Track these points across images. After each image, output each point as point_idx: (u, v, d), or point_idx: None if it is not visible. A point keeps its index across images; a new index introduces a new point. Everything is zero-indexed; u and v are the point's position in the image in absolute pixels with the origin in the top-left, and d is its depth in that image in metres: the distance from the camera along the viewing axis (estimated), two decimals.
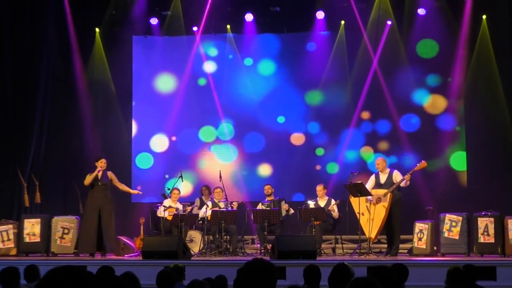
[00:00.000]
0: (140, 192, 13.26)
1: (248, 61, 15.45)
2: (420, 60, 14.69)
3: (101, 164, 12.13)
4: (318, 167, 14.99)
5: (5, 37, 14.43)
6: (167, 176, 14.99)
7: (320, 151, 15.07)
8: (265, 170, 15.18)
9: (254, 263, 3.98)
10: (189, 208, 13.08)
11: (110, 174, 12.30)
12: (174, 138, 15.44)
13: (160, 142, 15.46)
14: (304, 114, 15.18)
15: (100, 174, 12.08)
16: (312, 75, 15.16)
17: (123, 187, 12.56)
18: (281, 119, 15.23)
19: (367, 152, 14.83)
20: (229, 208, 12.78)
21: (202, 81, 15.50)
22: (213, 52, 15.58)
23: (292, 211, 12.94)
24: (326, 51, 15.17)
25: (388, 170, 12.07)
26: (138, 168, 15.41)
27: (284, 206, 12.95)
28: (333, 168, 14.89)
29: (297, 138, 15.20)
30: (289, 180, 14.91)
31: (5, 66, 14.44)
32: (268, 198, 13.20)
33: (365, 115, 14.93)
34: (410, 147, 14.57)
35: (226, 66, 15.51)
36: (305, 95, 15.21)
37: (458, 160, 14.47)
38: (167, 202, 13.05)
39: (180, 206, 13.08)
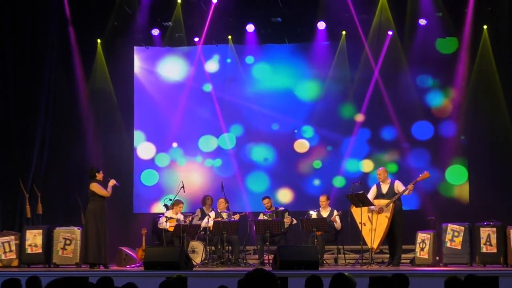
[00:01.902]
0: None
1: (250, 70, 15.49)
2: (421, 70, 14.71)
3: (101, 176, 12.13)
4: (317, 182, 14.97)
5: (8, 48, 14.44)
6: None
7: (317, 164, 15.08)
8: (269, 181, 15.19)
9: (255, 274, 3.98)
10: (189, 219, 13.07)
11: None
12: (175, 145, 15.45)
13: (160, 151, 15.48)
14: (306, 123, 15.19)
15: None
16: (314, 84, 15.21)
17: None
18: (283, 128, 15.25)
19: (369, 162, 14.82)
20: (231, 219, 12.75)
21: (205, 89, 15.49)
22: (215, 62, 15.62)
23: (294, 221, 12.92)
24: (327, 61, 15.21)
25: (389, 180, 12.07)
26: (140, 182, 15.41)
27: (287, 219, 12.90)
28: (335, 180, 14.84)
29: (301, 145, 15.20)
30: (293, 190, 14.95)
31: (7, 76, 14.45)
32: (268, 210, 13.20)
33: (367, 124, 14.94)
34: (412, 157, 14.58)
35: (227, 75, 15.54)
36: (307, 104, 15.22)
37: (454, 174, 14.46)
38: (168, 213, 13.05)
39: (181, 217, 13.07)
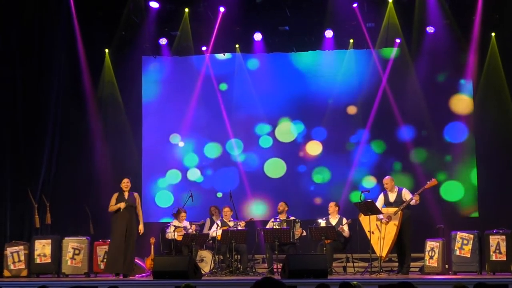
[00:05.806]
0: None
1: (258, 78, 15.53)
2: (429, 78, 14.70)
3: (123, 185, 12.06)
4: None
5: (16, 58, 14.50)
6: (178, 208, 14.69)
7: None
8: (278, 189, 15.18)
9: (264, 282, 3.98)
10: (194, 227, 13.07)
11: (136, 195, 12.11)
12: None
13: (167, 158, 15.54)
14: (314, 129, 15.23)
15: (126, 195, 11.95)
16: (322, 93, 15.22)
17: (139, 214, 12.12)
18: (290, 134, 15.32)
19: (376, 172, 14.80)
20: (237, 227, 12.74)
21: (213, 98, 15.53)
22: (223, 71, 15.65)
23: (304, 233, 12.87)
24: (335, 69, 15.22)
25: (396, 188, 12.01)
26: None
27: (298, 231, 12.83)
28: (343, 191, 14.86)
29: (313, 147, 15.22)
30: (301, 200, 14.95)
31: (15, 87, 14.50)
32: (280, 216, 13.13)
33: (375, 133, 14.93)
34: (420, 167, 14.55)
35: (235, 84, 15.57)
36: (315, 112, 15.22)
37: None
38: (174, 222, 13.06)
39: (187, 224, 13.07)
